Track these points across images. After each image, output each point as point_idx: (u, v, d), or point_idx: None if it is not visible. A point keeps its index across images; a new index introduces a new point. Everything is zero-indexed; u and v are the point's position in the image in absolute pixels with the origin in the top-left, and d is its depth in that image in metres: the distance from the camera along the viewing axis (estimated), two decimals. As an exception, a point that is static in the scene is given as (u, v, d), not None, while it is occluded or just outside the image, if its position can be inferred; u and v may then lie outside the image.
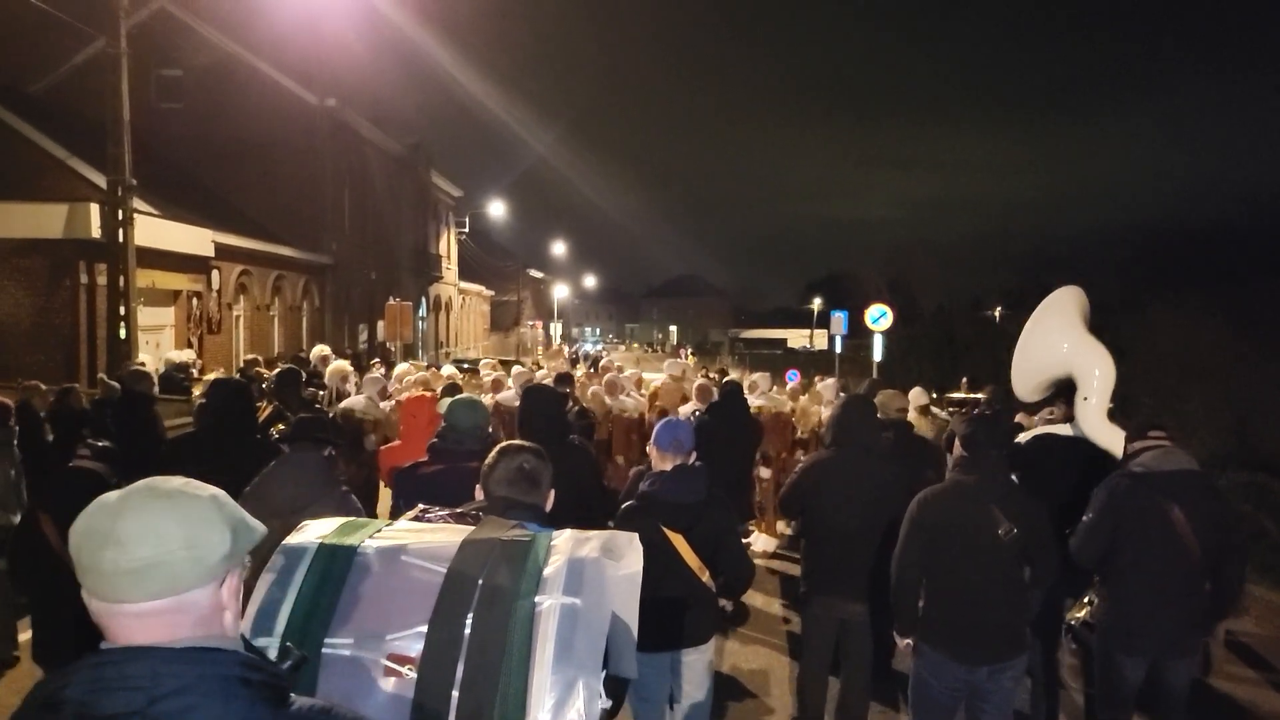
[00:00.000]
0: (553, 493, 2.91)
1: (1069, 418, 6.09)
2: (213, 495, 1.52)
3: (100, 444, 5.39)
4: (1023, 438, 6.38)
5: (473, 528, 2.27)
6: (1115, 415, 5.68)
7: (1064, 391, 6.23)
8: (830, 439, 5.17)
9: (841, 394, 8.98)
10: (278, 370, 8.89)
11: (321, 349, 12.82)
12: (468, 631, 1.94)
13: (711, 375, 15.53)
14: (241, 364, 15.21)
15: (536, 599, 1.98)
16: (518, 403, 6.28)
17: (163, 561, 1.40)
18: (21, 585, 5.62)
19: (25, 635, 6.24)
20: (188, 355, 15.17)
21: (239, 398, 5.74)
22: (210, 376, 9.83)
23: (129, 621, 1.42)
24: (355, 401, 8.17)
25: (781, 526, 9.75)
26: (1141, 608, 4.34)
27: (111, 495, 1.47)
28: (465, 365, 17.97)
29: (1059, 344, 6.04)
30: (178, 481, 1.52)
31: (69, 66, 22.58)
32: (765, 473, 9.41)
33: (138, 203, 14.50)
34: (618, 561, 2.10)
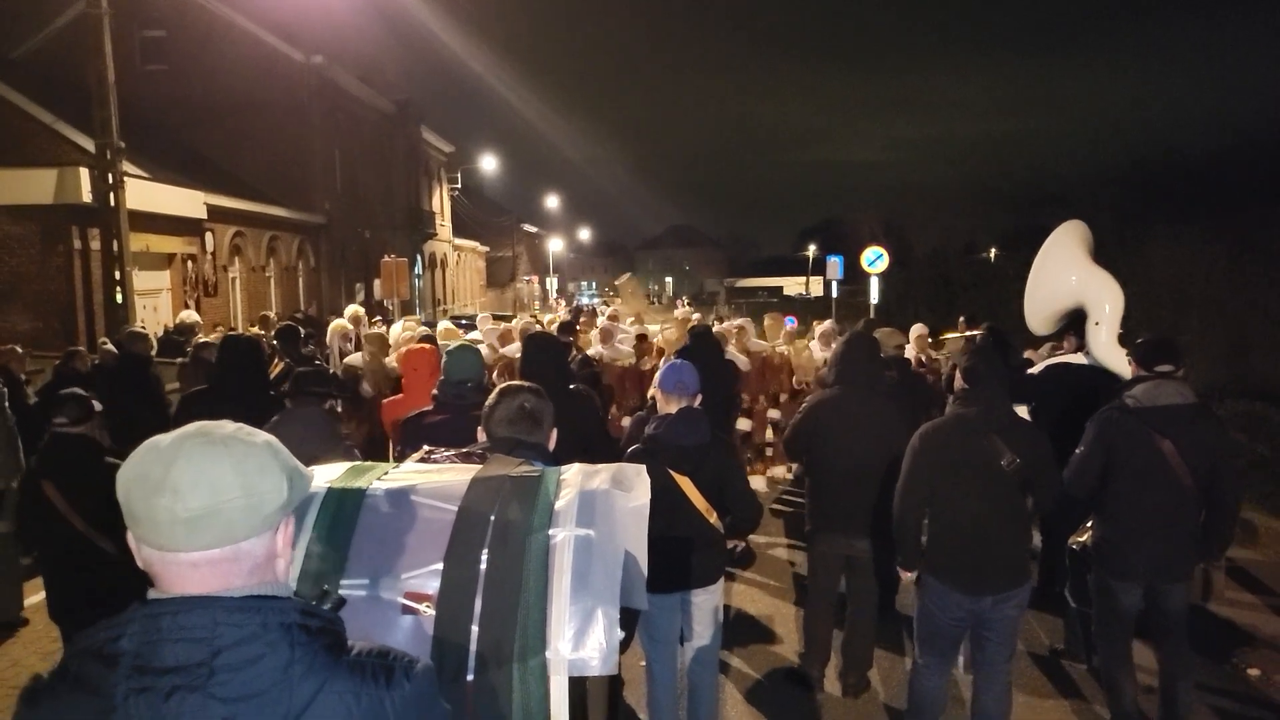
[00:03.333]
0: (555, 432, 2.90)
1: (1080, 349, 6.20)
2: (268, 442, 1.47)
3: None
4: (1035, 369, 6.49)
5: (480, 466, 2.28)
6: (1125, 342, 5.74)
7: (1075, 324, 6.33)
8: (834, 377, 5.17)
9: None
10: (277, 327, 8.88)
11: (355, 309, 12.17)
12: (483, 567, 1.97)
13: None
14: (255, 323, 15.10)
15: (550, 532, 2.00)
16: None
17: (219, 511, 1.35)
18: (32, 550, 5.67)
19: (32, 599, 6.33)
20: (194, 317, 15.07)
21: (251, 353, 5.74)
22: (201, 339, 9.80)
23: (183, 571, 1.37)
24: (357, 357, 8.18)
25: (781, 471, 9.79)
26: (1132, 536, 4.39)
27: (164, 439, 1.40)
28: (463, 322, 17.91)
29: (1068, 276, 6.17)
30: (231, 427, 1.46)
31: (51, 30, 22.16)
32: (775, 414, 9.47)
33: (127, 166, 14.38)
34: (627, 493, 2.12)
